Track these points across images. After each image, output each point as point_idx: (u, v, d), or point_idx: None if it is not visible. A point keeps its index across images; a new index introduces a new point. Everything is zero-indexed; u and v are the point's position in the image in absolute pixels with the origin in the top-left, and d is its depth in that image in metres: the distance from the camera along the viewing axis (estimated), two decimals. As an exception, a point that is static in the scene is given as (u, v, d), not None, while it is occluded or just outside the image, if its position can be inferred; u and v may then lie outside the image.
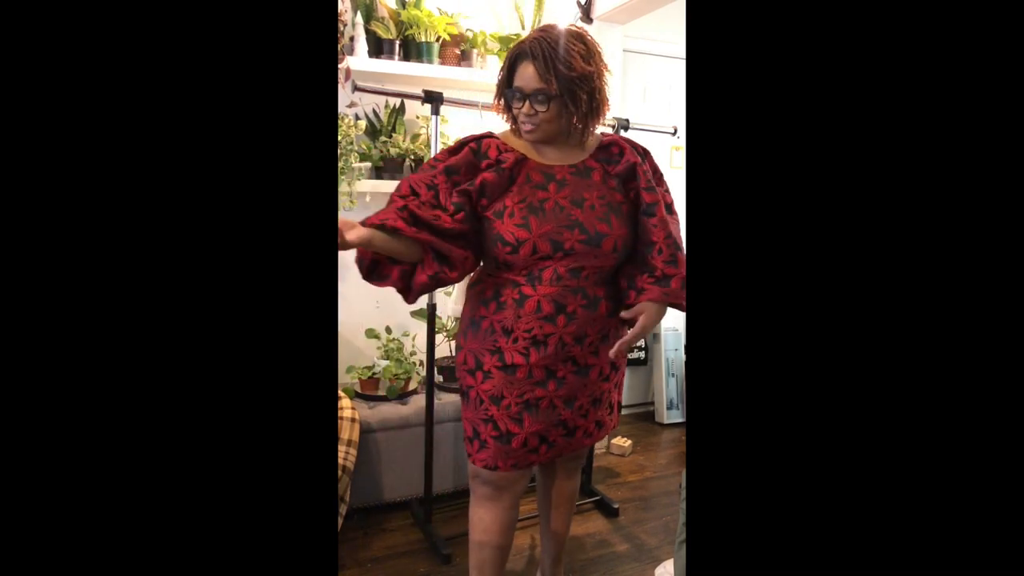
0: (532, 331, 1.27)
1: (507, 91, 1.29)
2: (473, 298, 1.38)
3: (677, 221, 1.38)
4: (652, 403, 3.27)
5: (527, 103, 1.26)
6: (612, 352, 1.31)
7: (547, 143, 1.33)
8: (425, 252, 1.24)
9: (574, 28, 1.28)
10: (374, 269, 1.25)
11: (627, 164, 1.32)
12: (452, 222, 1.23)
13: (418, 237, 1.20)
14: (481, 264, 1.38)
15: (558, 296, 1.26)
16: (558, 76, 1.22)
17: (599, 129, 1.40)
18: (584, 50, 1.24)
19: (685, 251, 1.29)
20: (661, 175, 1.40)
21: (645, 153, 1.39)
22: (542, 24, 1.28)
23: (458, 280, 1.32)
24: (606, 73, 1.30)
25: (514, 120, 1.33)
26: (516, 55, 1.26)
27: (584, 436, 1.41)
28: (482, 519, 1.42)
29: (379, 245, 1.17)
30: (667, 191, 1.39)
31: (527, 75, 1.24)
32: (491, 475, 1.36)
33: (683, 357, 3.18)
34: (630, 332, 1.31)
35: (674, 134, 2.42)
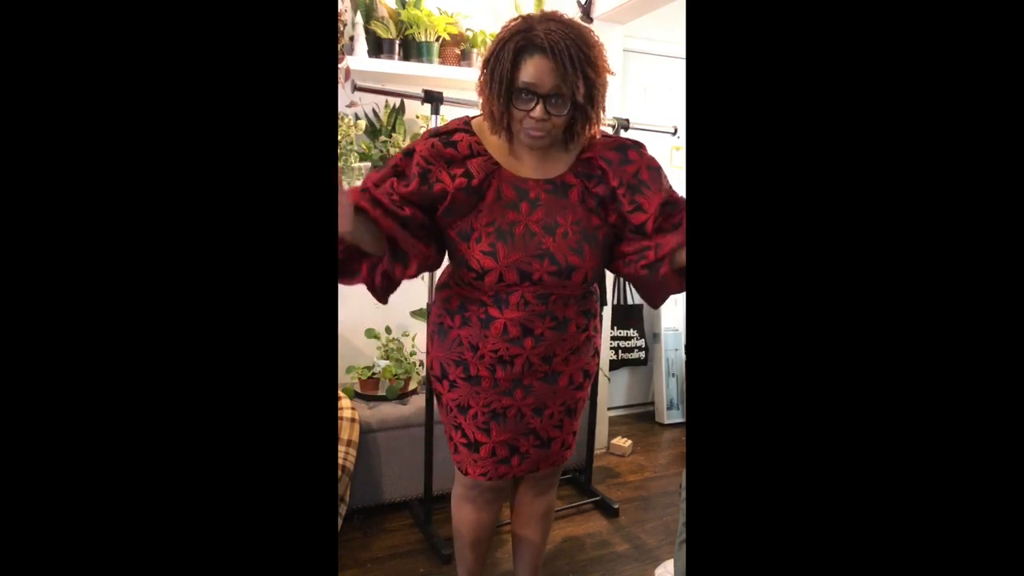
0: (499, 352, 1.19)
1: (512, 88, 1.07)
2: (439, 303, 1.27)
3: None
4: (652, 403, 3.27)
5: (540, 106, 1.06)
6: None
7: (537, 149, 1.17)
8: (384, 246, 1.10)
9: (579, 22, 1.11)
10: (344, 267, 1.12)
11: (607, 188, 1.17)
12: (412, 210, 1.10)
13: (381, 222, 1.06)
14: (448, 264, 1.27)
15: (525, 320, 1.17)
16: (586, 80, 1.05)
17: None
18: (603, 52, 1.10)
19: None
20: (658, 171, 1.20)
21: (624, 149, 1.19)
22: (543, 12, 1.11)
23: (414, 277, 1.17)
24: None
25: (503, 121, 1.12)
26: (524, 46, 1.05)
27: (563, 448, 1.34)
28: (471, 519, 1.42)
29: (356, 230, 1.03)
30: (663, 189, 1.18)
31: (542, 72, 1.04)
32: (465, 477, 1.34)
33: (683, 357, 3.18)
34: None
35: (674, 134, 2.42)
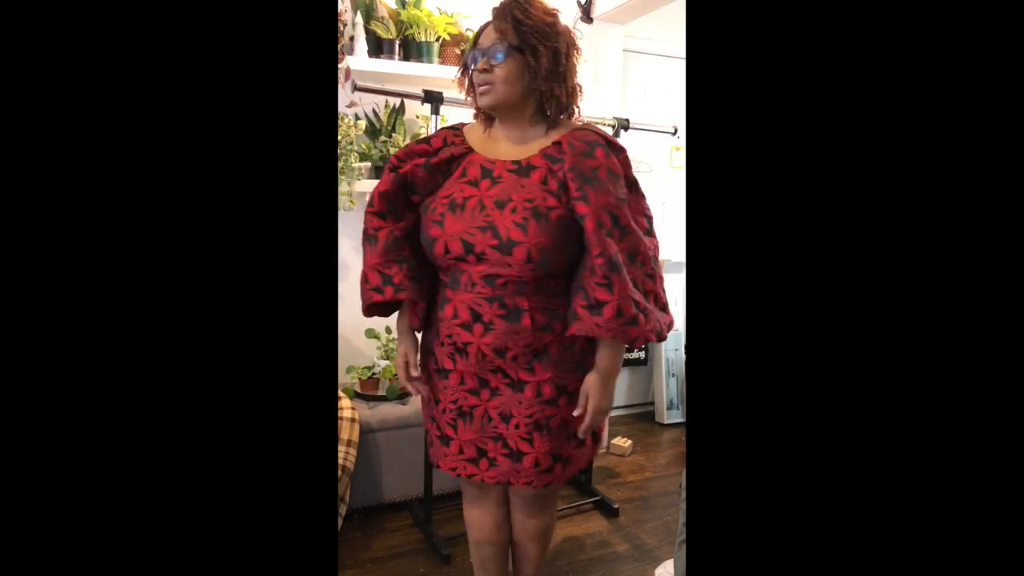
0: (453, 338, 1.20)
1: (467, 57, 1.18)
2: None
3: (633, 236, 1.14)
4: (652, 403, 3.27)
5: (483, 58, 1.14)
6: (580, 431, 1.21)
7: (507, 123, 1.20)
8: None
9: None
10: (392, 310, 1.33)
11: (563, 172, 1.14)
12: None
13: (420, 290, 1.25)
14: None
15: (473, 303, 1.16)
16: (516, 24, 1.12)
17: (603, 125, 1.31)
18: (545, 8, 1.15)
19: (630, 273, 1.12)
20: (617, 177, 1.15)
21: (594, 145, 1.15)
22: None
23: None
24: (577, 55, 1.18)
25: (470, 89, 1.20)
26: (483, 25, 1.19)
27: (538, 468, 1.24)
28: (473, 518, 1.43)
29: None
30: (617, 198, 1.13)
31: (487, 33, 1.16)
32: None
33: (683, 357, 3.18)
34: (586, 416, 1.19)
35: (674, 134, 2.42)
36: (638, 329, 1.12)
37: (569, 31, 1.19)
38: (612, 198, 1.12)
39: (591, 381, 1.18)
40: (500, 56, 1.13)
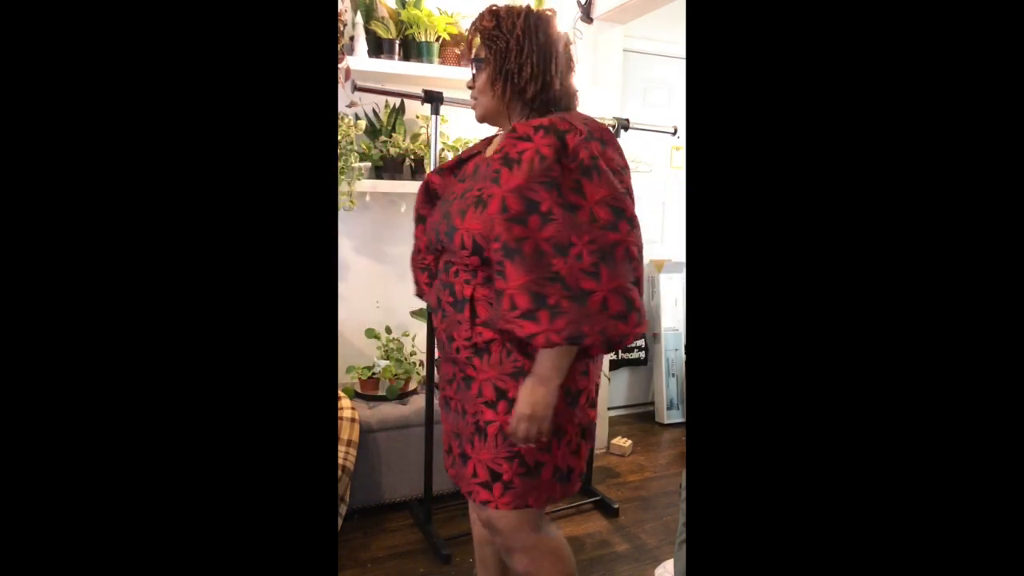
0: (435, 323, 1.25)
1: None
2: None
3: (559, 223, 1.01)
4: (652, 403, 3.27)
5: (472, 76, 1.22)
6: (508, 432, 1.09)
7: (503, 127, 1.24)
8: None
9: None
10: None
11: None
12: None
13: None
14: None
15: (438, 289, 1.21)
16: (480, 34, 1.17)
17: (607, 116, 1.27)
18: (497, 10, 1.17)
19: (531, 259, 1.00)
20: (548, 169, 1.03)
21: (540, 129, 1.06)
22: None
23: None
24: (554, 38, 1.17)
25: None
26: None
27: (475, 480, 1.15)
28: (470, 515, 1.44)
29: None
30: (535, 180, 1.02)
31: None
32: None
33: (683, 357, 3.18)
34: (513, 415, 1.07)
35: (674, 134, 2.42)
36: (535, 326, 0.98)
37: (532, 15, 1.17)
38: (527, 181, 1.02)
39: (523, 383, 1.08)
40: (474, 70, 1.20)
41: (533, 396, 1.06)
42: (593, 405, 1.21)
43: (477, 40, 1.19)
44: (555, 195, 1.02)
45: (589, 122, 1.11)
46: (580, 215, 1.03)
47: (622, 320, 1.00)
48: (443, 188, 1.29)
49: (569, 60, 1.22)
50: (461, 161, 1.29)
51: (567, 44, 1.22)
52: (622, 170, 1.11)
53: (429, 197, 1.32)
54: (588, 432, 1.21)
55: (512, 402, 1.10)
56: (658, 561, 1.95)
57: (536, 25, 1.17)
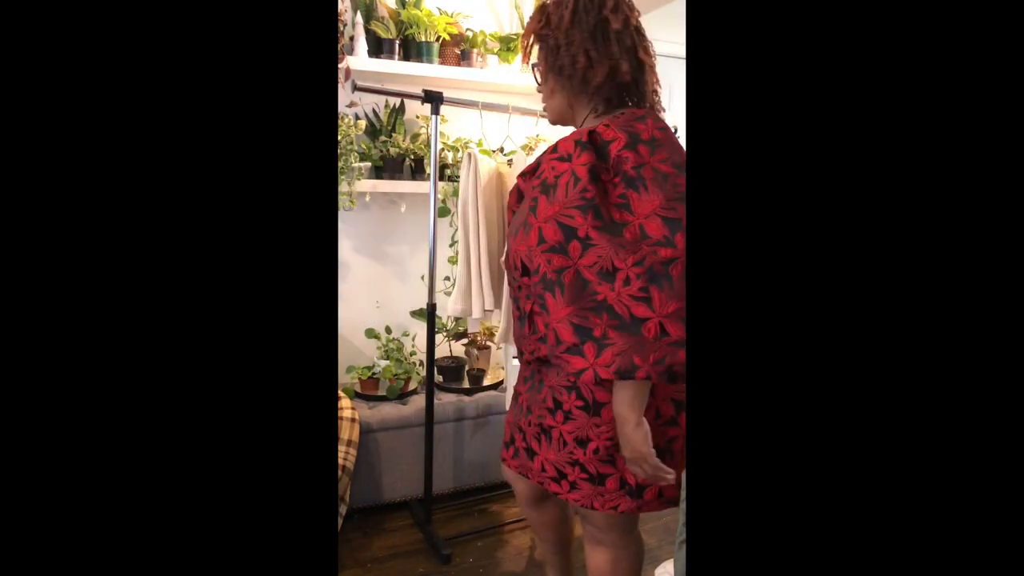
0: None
1: None
2: None
3: (602, 248, 0.96)
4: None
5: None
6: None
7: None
8: None
9: None
10: None
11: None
12: None
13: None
14: None
15: (515, 307, 1.21)
16: (535, 41, 1.14)
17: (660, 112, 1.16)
18: (551, 5, 1.10)
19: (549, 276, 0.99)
20: (583, 193, 0.99)
21: (566, 145, 1.04)
22: None
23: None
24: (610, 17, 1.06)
25: None
26: None
27: (544, 474, 1.17)
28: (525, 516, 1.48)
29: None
30: (585, 207, 0.98)
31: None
32: None
33: (683, 357, 3.17)
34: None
35: (674, 134, 2.42)
36: (582, 361, 0.94)
37: (582, 1, 1.07)
38: (562, 207, 0.97)
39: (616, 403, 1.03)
40: (536, 77, 1.18)
41: (624, 439, 1.02)
42: (671, 424, 1.11)
43: (533, 43, 1.15)
44: (591, 218, 0.96)
45: (638, 123, 1.02)
46: (627, 233, 0.95)
47: (684, 347, 0.90)
48: (527, 192, 1.18)
49: (639, 36, 1.08)
50: (540, 163, 1.18)
51: (632, 19, 1.08)
52: (679, 169, 0.99)
53: (519, 200, 1.26)
54: (664, 451, 1.10)
55: (568, 414, 1.09)
56: (658, 561, 1.95)
57: (587, 9, 1.06)
